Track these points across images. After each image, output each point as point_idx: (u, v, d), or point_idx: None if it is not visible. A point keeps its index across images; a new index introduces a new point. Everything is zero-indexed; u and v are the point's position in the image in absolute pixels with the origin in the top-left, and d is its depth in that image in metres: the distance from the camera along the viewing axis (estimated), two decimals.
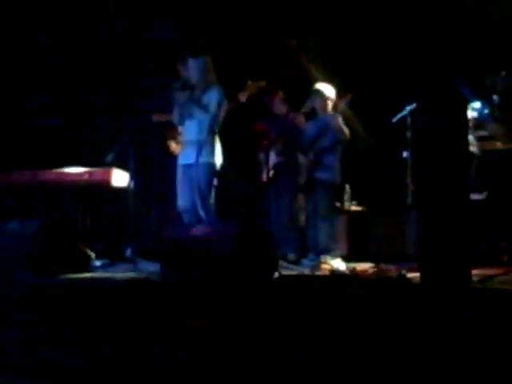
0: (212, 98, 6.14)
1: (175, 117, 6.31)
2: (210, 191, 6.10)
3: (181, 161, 6.28)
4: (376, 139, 7.51)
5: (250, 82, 6.29)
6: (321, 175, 6.71)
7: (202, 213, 5.98)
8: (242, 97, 6.40)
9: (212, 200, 6.12)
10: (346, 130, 6.66)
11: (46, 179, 6.40)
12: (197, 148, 6.05)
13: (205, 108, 6.11)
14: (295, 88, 7.22)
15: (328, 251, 6.51)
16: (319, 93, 6.79)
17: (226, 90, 6.26)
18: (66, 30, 7.90)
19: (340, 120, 6.66)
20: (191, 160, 6.09)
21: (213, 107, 6.10)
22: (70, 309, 3.90)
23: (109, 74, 7.91)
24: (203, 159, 6.08)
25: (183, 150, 6.24)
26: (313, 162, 6.73)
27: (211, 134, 6.14)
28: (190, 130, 6.20)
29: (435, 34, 4.26)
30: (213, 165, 6.14)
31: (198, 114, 6.15)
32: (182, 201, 6.20)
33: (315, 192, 6.72)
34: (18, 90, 7.79)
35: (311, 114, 6.96)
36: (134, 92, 7.09)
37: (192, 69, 6.19)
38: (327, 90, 6.80)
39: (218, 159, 6.21)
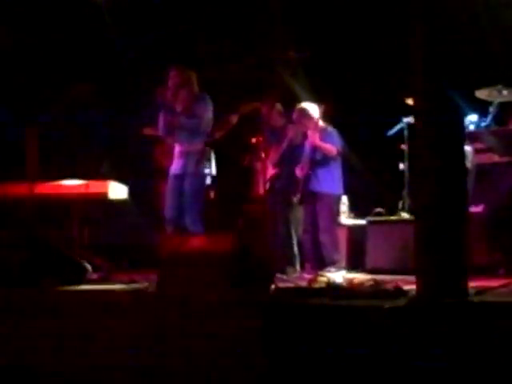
0: (203, 106, 6.12)
1: (161, 129, 6.27)
2: (198, 202, 6.07)
3: (171, 171, 6.27)
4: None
5: (243, 104, 6.34)
6: (317, 187, 6.72)
7: (188, 222, 5.96)
8: (234, 118, 6.44)
9: (200, 211, 6.08)
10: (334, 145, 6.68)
11: (42, 192, 6.38)
12: (187, 158, 6.06)
13: (196, 117, 6.08)
14: (293, 100, 7.22)
15: (333, 263, 6.53)
16: (303, 112, 6.79)
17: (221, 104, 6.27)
18: (63, 48, 7.91)
19: (330, 134, 6.70)
20: (181, 170, 6.10)
21: (208, 114, 6.10)
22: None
23: (105, 88, 7.92)
24: (193, 169, 6.07)
25: (175, 160, 6.23)
26: (306, 175, 6.74)
27: (202, 143, 6.13)
28: (180, 141, 6.20)
29: (432, 45, 4.26)
30: (203, 175, 6.13)
31: (188, 124, 6.11)
32: (168, 211, 6.17)
33: (313, 205, 6.72)
34: (17, 100, 7.79)
35: None
36: (129, 105, 7.10)
37: (180, 81, 6.13)
38: (311, 108, 6.80)
39: (211, 170, 6.20)
